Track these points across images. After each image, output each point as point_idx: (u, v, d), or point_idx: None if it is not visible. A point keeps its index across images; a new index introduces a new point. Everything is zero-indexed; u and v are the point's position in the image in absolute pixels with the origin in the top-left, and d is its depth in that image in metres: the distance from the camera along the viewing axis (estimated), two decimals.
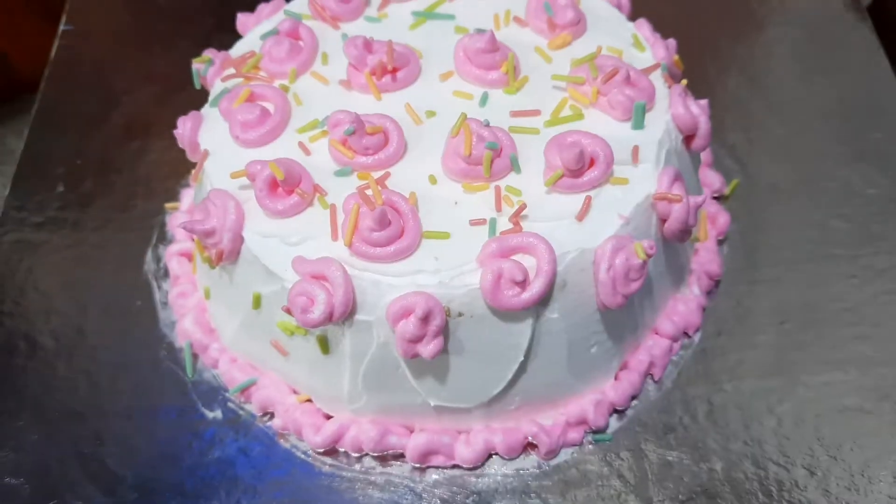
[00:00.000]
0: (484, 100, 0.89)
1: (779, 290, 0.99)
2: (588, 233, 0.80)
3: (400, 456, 0.89)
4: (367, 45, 0.90)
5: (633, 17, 1.00)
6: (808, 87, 1.18)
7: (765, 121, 1.15)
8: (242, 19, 1.03)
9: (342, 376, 0.85)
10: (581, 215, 0.80)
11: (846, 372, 0.92)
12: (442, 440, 0.88)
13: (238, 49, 0.98)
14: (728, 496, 0.85)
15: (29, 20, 1.37)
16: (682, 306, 0.94)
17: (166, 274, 1.04)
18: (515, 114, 0.88)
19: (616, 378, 0.91)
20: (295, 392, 0.92)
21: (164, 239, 1.08)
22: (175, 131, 0.92)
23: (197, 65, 0.97)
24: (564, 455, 0.89)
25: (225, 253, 0.84)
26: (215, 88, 0.95)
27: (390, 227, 0.78)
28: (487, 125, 0.84)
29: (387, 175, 0.84)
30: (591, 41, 0.94)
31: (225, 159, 0.88)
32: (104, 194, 1.12)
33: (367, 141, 0.83)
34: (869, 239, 1.02)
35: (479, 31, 0.91)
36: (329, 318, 0.78)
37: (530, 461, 0.89)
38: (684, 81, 0.91)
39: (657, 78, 0.90)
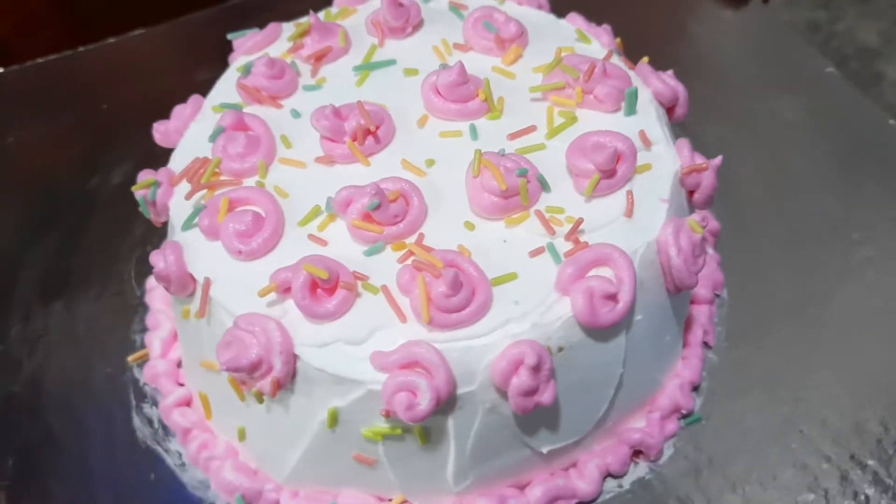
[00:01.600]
0: (474, 132, 0.85)
1: None
2: (642, 226, 0.79)
3: None
4: (336, 112, 0.83)
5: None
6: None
7: None
8: (162, 128, 0.92)
9: (446, 461, 0.78)
10: (629, 211, 0.79)
11: None
12: (557, 483, 0.83)
13: (179, 160, 0.87)
14: None
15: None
16: (706, 268, 0.96)
17: (168, 433, 0.90)
18: (512, 136, 0.85)
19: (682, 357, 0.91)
20: (381, 499, 0.83)
21: (144, 397, 0.94)
22: (156, 271, 0.79)
23: (140, 192, 0.85)
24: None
25: (281, 380, 0.73)
26: (177, 210, 0.83)
27: (464, 288, 0.72)
28: (504, 154, 0.80)
29: (421, 237, 0.78)
30: (540, 48, 0.93)
31: (232, 281, 0.77)
32: (47, 370, 0.96)
33: (394, 209, 0.77)
34: None
35: (444, 66, 0.87)
36: (437, 404, 0.70)
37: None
38: (645, 59, 0.92)
39: (619, 63, 0.91)
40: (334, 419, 0.75)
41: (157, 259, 0.80)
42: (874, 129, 1.13)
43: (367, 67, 0.92)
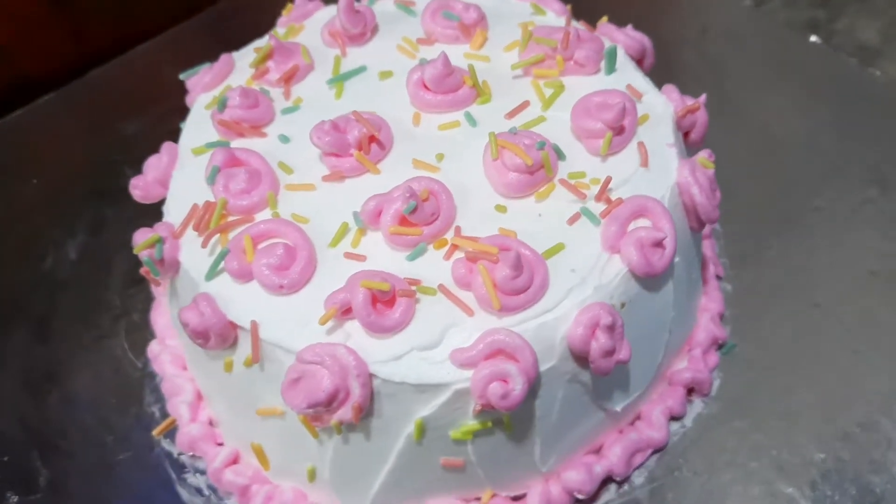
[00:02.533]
0: (471, 119, 0.85)
1: None
2: (660, 172, 0.81)
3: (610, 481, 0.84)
4: (335, 126, 0.81)
5: None
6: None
7: None
8: (140, 184, 0.86)
9: (533, 443, 0.77)
10: (645, 161, 0.81)
11: None
12: (631, 438, 0.84)
13: (175, 211, 0.82)
14: None
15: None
16: None
17: (221, 497, 0.85)
18: (509, 115, 0.85)
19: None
20: (466, 500, 0.81)
21: (183, 468, 0.88)
22: (192, 328, 0.74)
23: (146, 252, 0.79)
24: None
25: (363, 403, 0.71)
26: (193, 262, 0.78)
27: (525, 267, 0.72)
28: (516, 132, 0.80)
29: (458, 230, 0.77)
30: (502, 28, 0.94)
31: (280, 318, 0.74)
32: (66, 473, 0.88)
33: (428, 207, 0.75)
34: None
35: (424, 62, 0.86)
36: (529, 385, 0.70)
37: None
38: (605, 18, 0.95)
39: (579, 26, 0.94)
40: (421, 430, 0.73)
41: (190, 316, 0.75)
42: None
43: (340, 79, 0.90)
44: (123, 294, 1.02)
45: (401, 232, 0.75)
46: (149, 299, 1.00)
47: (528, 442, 0.77)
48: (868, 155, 1.10)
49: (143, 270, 0.82)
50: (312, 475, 0.80)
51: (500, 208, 0.79)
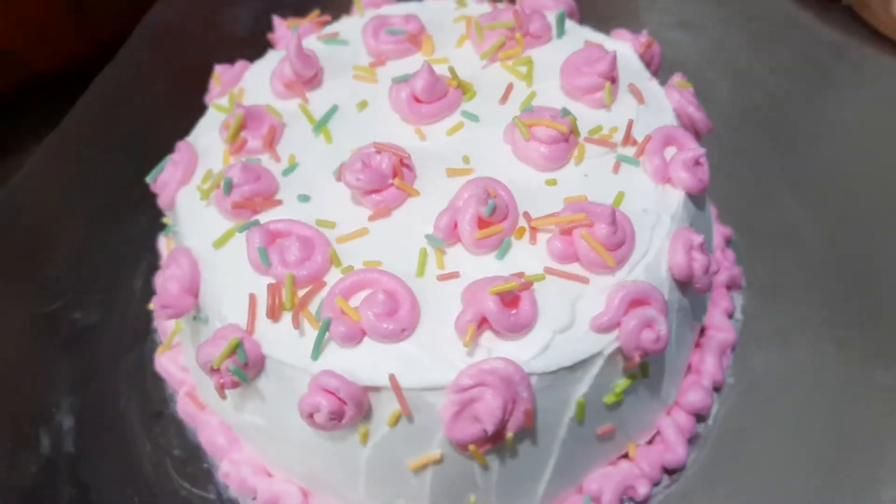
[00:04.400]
0: (471, 116, 0.86)
1: None
2: (656, 105, 0.87)
3: None
4: (366, 162, 0.78)
5: None
6: None
7: None
8: (170, 300, 0.77)
9: (661, 382, 0.81)
10: (640, 98, 0.87)
11: None
12: (713, 346, 0.90)
13: (231, 310, 0.75)
14: None
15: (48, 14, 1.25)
16: None
17: None
18: (502, 100, 0.87)
19: None
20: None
21: None
22: (331, 411, 0.68)
23: (229, 362, 0.72)
24: None
25: (530, 409, 0.70)
26: (288, 349, 0.72)
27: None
28: (532, 109, 0.82)
29: (527, 214, 0.78)
30: (441, 28, 0.95)
31: (409, 364, 0.70)
32: None
33: (500, 202, 0.75)
34: None
35: (403, 78, 0.85)
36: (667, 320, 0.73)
37: None
38: None
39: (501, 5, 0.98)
40: (583, 407, 0.74)
41: (317, 401, 0.69)
42: None
43: (321, 124, 0.86)
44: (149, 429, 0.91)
45: (486, 234, 0.75)
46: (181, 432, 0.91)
47: (659, 381, 0.81)
48: None
49: (221, 385, 0.74)
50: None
51: (551, 182, 0.81)
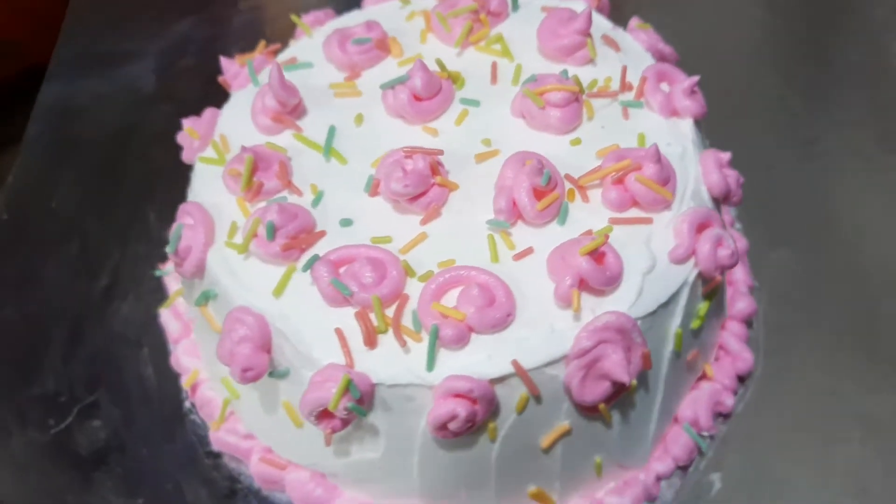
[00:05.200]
0: (472, 102, 0.87)
1: None
2: (629, 50, 0.92)
3: None
4: (404, 168, 0.77)
5: None
6: None
7: None
8: (246, 353, 0.73)
9: (723, 296, 0.86)
10: (616, 46, 0.91)
11: None
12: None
13: (319, 352, 0.71)
14: None
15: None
16: None
17: None
18: (493, 80, 0.89)
19: None
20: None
21: None
22: (461, 419, 0.67)
23: (344, 401, 0.68)
24: None
25: (648, 349, 0.72)
26: (394, 371, 0.70)
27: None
28: (534, 78, 0.84)
29: (569, 176, 0.80)
30: (398, 29, 0.94)
31: (525, 346, 0.70)
32: None
33: (550, 172, 0.77)
34: None
35: (397, 81, 0.84)
36: None
37: None
38: None
39: None
40: (679, 338, 0.77)
41: (452, 407, 0.67)
42: None
43: (328, 147, 0.84)
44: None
45: (547, 203, 0.76)
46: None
47: (721, 297, 0.85)
48: None
49: (332, 430, 0.71)
50: (600, 468, 0.79)
51: (575, 142, 0.83)
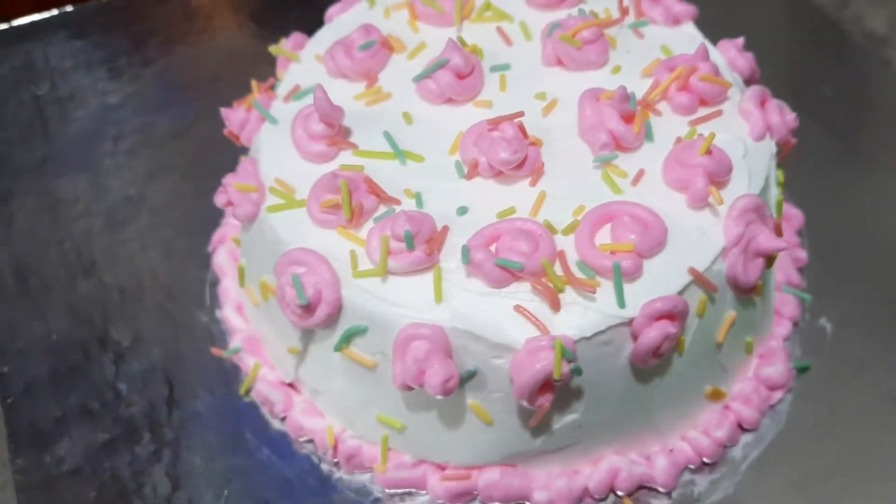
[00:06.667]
0: (500, 68, 0.88)
1: None
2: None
3: None
4: (504, 138, 0.78)
5: None
6: None
7: None
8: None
9: None
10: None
11: None
12: None
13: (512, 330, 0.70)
14: None
15: None
16: None
17: None
18: (507, 42, 0.91)
19: None
20: None
21: None
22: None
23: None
24: None
25: None
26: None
27: None
28: (560, 25, 0.87)
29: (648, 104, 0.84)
30: (382, 25, 0.93)
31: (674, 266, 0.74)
32: None
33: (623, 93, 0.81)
34: None
35: (433, 69, 0.84)
36: None
37: None
38: None
39: None
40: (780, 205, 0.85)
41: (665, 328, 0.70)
42: None
43: (397, 150, 0.81)
44: None
45: (638, 124, 0.80)
46: None
47: None
48: None
49: (546, 406, 0.71)
50: (751, 347, 0.85)
51: (615, 70, 0.88)
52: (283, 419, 0.87)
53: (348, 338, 0.76)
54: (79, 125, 1.15)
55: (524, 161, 0.78)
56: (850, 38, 1.20)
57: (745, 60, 0.89)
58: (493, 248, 0.74)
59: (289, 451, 0.87)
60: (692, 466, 0.83)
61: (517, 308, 0.72)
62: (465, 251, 0.73)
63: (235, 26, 1.28)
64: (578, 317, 0.72)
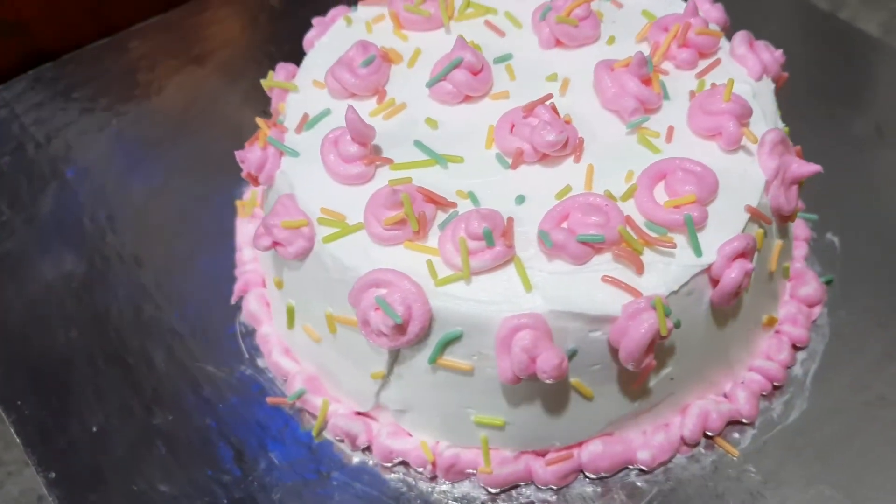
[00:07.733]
0: (503, 59, 0.90)
1: None
2: None
3: None
4: (545, 122, 0.79)
5: None
6: None
7: None
8: None
9: None
10: None
11: None
12: None
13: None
14: None
15: None
16: None
17: None
18: (498, 33, 0.93)
19: None
20: None
21: None
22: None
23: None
24: None
25: None
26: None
27: None
28: (550, 8, 0.90)
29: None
30: (370, 39, 0.92)
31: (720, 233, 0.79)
32: None
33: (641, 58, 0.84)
34: None
35: (452, 68, 0.84)
36: None
37: None
38: None
39: None
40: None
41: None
42: None
43: (433, 155, 0.81)
44: None
45: (658, 85, 0.84)
46: None
47: None
48: None
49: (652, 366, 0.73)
50: (787, 272, 0.91)
51: (610, 41, 0.91)
52: (365, 449, 0.86)
53: (443, 346, 0.76)
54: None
55: (567, 140, 0.80)
56: (844, 39, 1.25)
57: (717, 11, 0.95)
58: (564, 226, 0.75)
59: (378, 480, 0.86)
60: (764, 393, 0.88)
61: (605, 278, 0.74)
62: (545, 235, 0.74)
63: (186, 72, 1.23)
64: (663, 274, 0.75)
